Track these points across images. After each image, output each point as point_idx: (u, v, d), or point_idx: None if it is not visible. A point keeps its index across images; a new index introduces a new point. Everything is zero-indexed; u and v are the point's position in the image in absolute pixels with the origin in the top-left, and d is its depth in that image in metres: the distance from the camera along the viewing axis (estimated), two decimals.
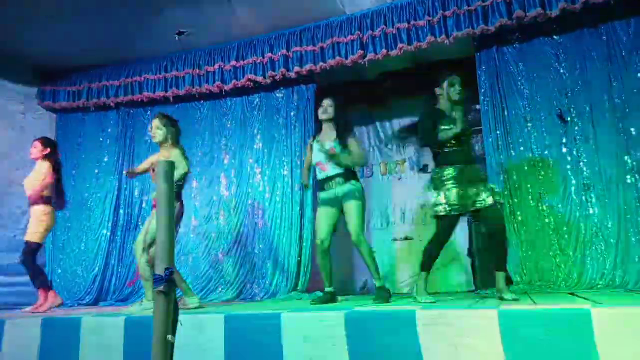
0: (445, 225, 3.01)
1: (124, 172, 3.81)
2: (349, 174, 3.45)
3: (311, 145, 3.64)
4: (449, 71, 3.22)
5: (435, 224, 3.09)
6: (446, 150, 3.08)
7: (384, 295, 3.27)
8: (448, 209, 2.95)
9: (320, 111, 3.62)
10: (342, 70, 4.97)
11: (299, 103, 4.90)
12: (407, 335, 2.24)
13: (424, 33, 4.11)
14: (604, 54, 3.83)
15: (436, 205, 3.01)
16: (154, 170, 3.50)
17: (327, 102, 3.58)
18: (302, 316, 2.53)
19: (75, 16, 4.40)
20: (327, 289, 3.47)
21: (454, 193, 2.95)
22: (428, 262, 3.07)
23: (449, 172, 3.01)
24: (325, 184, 3.49)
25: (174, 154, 3.58)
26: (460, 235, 4.78)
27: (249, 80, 4.80)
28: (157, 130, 3.65)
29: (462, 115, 3.13)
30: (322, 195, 3.52)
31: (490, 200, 2.93)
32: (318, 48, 4.53)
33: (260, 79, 4.76)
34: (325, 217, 3.46)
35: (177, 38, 4.84)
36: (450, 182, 2.99)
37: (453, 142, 3.05)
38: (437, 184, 3.05)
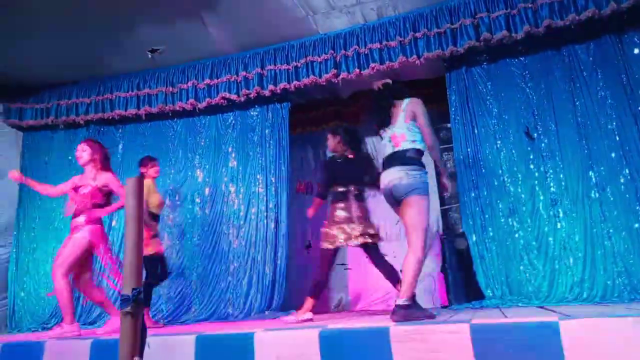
0: None
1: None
2: None
3: None
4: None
5: None
6: None
7: None
8: None
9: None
10: (316, 89, 5.03)
11: (273, 121, 4.92)
12: (381, 352, 2.23)
13: (396, 53, 4.22)
14: (566, 75, 3.99)
15: None
16: (76, 191, 3.51)
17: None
18: (275, 335, 2.49)
19: (44, 32, 4.32)
20: None
21: None
22: None
23: None
24: None
25: (106, 178, 3.55)
26: (433, 252, 4.83)
27: (223, 98, 4.80)
28: (82, 152, 3.61)
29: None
30: None
31: None
32: (292, 67, 4.57)
33: (234, 96, 4.76)
34: None
35: (149, 55, 4.82)
36: None
37: None
38: None
